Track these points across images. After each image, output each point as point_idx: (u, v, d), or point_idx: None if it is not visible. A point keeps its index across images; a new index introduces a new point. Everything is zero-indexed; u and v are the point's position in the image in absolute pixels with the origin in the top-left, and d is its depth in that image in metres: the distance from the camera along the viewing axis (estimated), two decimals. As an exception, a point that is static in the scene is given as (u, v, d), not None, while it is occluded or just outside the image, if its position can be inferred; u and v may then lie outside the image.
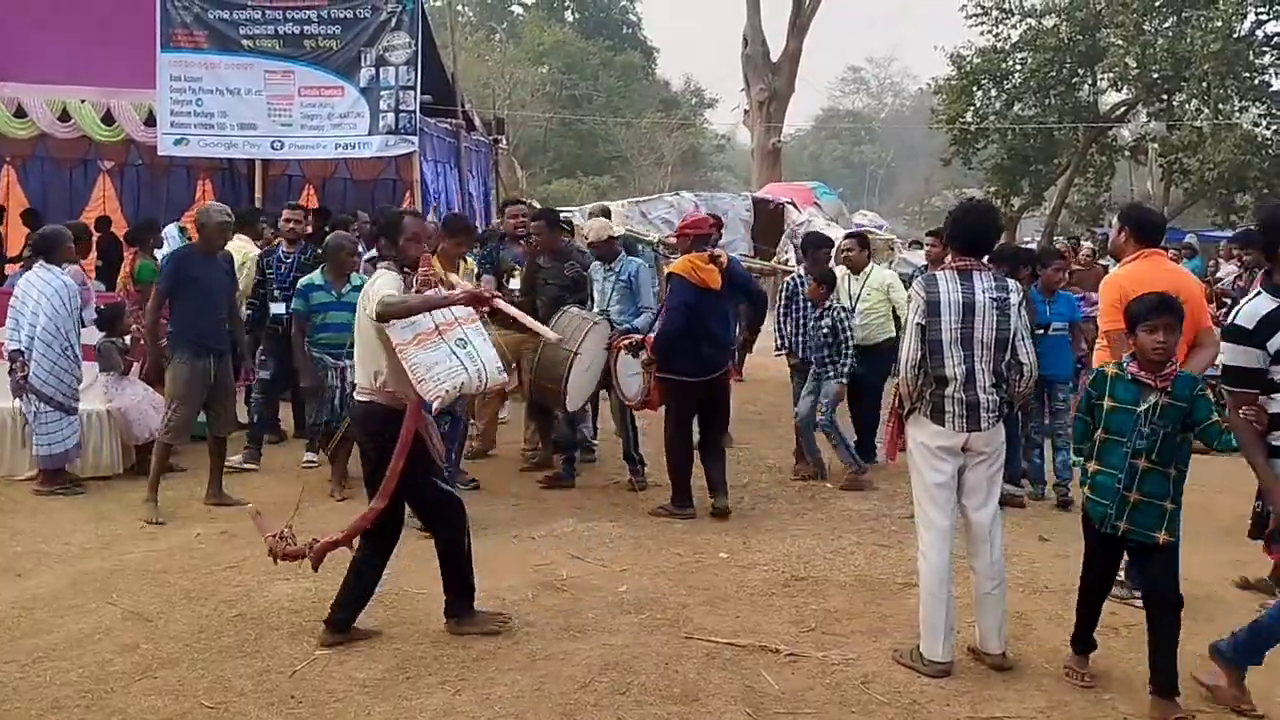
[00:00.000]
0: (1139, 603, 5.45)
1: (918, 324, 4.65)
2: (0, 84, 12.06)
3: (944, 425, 4.66)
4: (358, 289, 6.66)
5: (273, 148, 12.16)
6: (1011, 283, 4.87)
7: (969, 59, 28.03)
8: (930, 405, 4.67)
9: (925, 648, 4.71)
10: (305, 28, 12.05)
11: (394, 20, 12.03)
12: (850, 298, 8.59)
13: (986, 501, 4.78)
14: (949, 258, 4.95)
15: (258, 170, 12.86)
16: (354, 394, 5.37)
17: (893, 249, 12.97)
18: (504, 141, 17.60)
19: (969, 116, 28.15)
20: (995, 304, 4.67)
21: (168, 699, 4.38)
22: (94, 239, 12.00)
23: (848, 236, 9.16)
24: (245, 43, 12.06)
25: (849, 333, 8.02)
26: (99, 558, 6.13)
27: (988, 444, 4.74)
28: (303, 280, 7.63)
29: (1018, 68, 27.84)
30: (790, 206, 14.01)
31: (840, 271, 8.66)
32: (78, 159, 14.61)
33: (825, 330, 7.98)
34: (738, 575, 6.01)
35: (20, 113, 12.15)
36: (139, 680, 4.56)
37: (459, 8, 47.58)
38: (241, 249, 9.00)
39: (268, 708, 4.32)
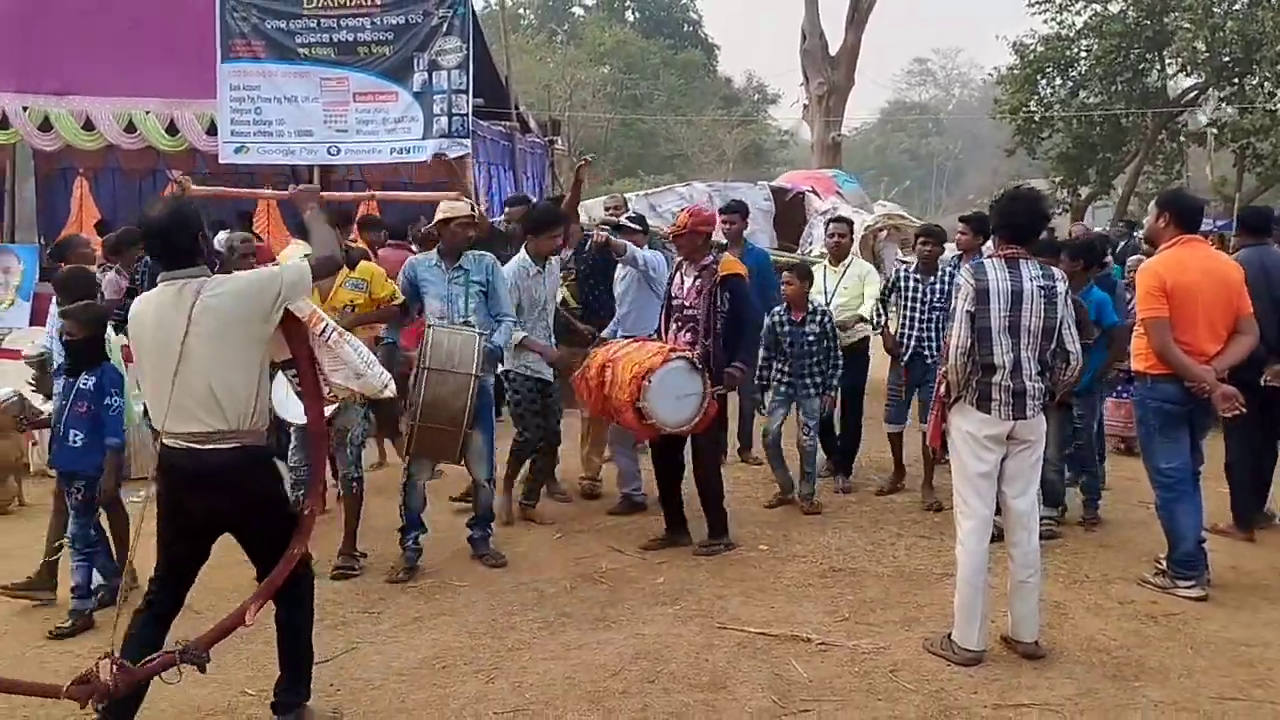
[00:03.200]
0: (1181, 592, 5.42)
1: (967, 311, 4.64)
2: (69, 98, 12.52)
3: (990, 413, 4.65)
4: None
5: (329, 153, 12.46)
6: (1057, 271, 4.85)
7: (1032, 48, 27.61)
8: (977, 393, 4.66)
9: (959, 635, 4.71)
10: (359, 35, 12.33)
11: (445, 25, 12.26)
12: (825, 293, 7.73)
13: (1026, 489, 4.78)
14: (994, 245, 4.93)
15: (316, 176, 13.13)
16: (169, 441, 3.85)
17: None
18: (560, 143, 17.74)
19: (1033, 106, 27.72)
20: (1043, 292, 4.66)
21: (212, 688, 4.53)
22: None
23: (837, 221, 8.24)
24: (301, 51, 12.37)
25: (837, 339, 7.21)
26: (145, 551, 6.30)
27: (1031, 432, 4.73)
28: None
29: (1083, 55, 27.35)
30: (811, 194, 13.41)
31: (819, 265, 8.03)
32: (146, 169, 15.02)
33: (811, 337, 7.06)
34: (775, 567, 6.04)
35: (89, 125, 12.59)
36: (185, 670, 4.71)
37: (519, 11, 48.04)
38: (288, 252, 9.20)
39: (307, 695, 4.45)
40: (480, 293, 6.12)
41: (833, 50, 29.70)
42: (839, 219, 8.34)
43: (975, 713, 4.23)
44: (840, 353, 7.22)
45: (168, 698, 4.41)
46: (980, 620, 4.68)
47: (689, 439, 6.22)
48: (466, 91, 12.24)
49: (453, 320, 6.00)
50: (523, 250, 6.77)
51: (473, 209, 6.44)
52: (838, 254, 7.93)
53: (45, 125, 12.75)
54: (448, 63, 12.22)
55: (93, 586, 5.39)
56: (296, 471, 5.99)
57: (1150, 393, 5.57)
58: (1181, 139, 28.44)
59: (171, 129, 12.63)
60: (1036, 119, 27.51)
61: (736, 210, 8.19)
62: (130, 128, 12.65)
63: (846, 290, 7.71)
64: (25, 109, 12.68)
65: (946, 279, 7.17)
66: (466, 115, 12.25)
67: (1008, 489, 4.76)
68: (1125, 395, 8.29)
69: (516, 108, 14.77)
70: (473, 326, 5.97)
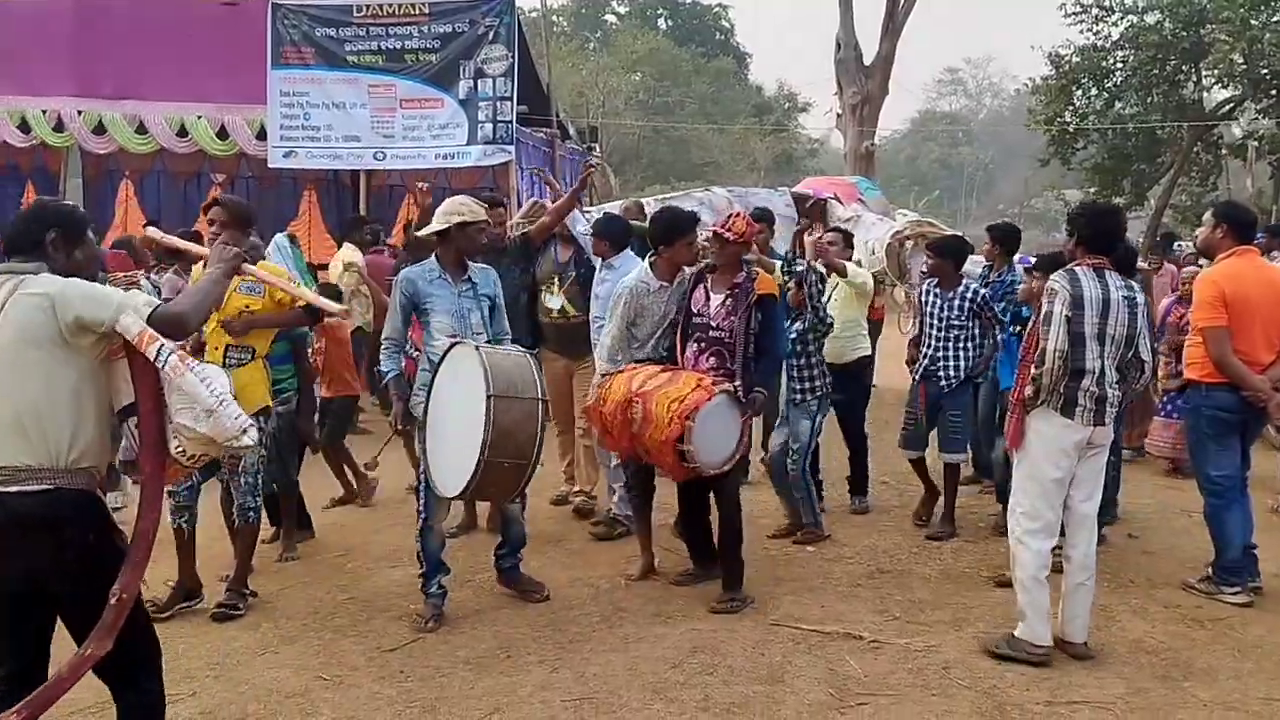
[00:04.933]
0: (1226, 597, 5.51)
1: (1065, 316, 4.71)
2: (123, 102, 12.80)
3: (1074, 419, 4.75)
4: None
5: (375, 159, 12.67)
6: (1135, 283, 5.01)
7: (1068, 58, 27.58)
8: (1063, 398, 4.75)
9: (1030, 633, 4.77)
10: (406, 42, 12.55)
11: (491, 33, 12.45)
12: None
13: (1092, 494, 4.92)
14: (1074, 254, 4.98)
15: (362, 181, 13.37)
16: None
17: None
18: (597, 149, 17.93)
19: (1068, 116, 27.70)
20: (1127, 302, 4.80)
21: (288, 672, 4.72)
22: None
23: (832, 230, 7.70)
24: (350, 58, 12.60)
25: (818, 343, 6.59)
26: (223, 545, 6.50)
27: (1105, 437, 4.88)
28: None
29: (1119, 66, 27.29)
30: (834, 201, 12.88)
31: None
32: (192, 173, 15.30)
33: (793, 335, 6.44)
34: (824, 568, 6.17)
35: (141, 129, 12.87)
36: (262, 655, 4.92)
37: (554, 18, 48.35)
38: (347, 256, 9.42)
39: (379, 681, 4.63)
40: (489, 308, 5.46)
41: (867, 60, 29.78)
42: (833, 229, 7.85)
43: (1029, 709, 4.35)
44: (820, 365, 6.58)
45: (247, 680, 4.61)
46: (1047, 618, 4.79)
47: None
48: (511, 99, 12.41)
49: (465, 339, 5.23)
50: (645, 263, 5.97)
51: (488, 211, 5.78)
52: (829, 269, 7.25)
53: (99, 129, 13.04)
54: (493, 70, 12.40)
55: None
56: (176, 496, 5.38)
57: (1205, 400, 5.67)
58: (1221, 151, 28.32)
59: (222, 133, 12.89)
60: (1071, 129, 27.49)
61: (763, 219, 7.74)
62: (182, 132, 12.92)
63: (839, 302, 7.18)
64: (80, 112, 12.97)
65: (968, 296, 6.78)
66: (510, 122, 12.42)
67: (1075, 493, 4.87)
68: (1175, 415, 8.26)
69: (557, 115, 14.96)
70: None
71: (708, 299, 5.63)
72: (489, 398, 4.71)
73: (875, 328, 13.03)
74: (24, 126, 13.01)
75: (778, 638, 5.09)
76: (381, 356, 5.41)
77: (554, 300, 6.99)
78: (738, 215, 5.73)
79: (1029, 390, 4.78)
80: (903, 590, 5.79)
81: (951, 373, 6.78)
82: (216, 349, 5.27)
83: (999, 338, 6.82)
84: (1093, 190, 28.35)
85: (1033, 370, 4.78)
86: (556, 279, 7.00)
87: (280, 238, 11.71)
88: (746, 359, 5.50)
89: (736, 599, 5.49)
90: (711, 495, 5.74)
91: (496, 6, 12.43)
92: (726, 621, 5.29)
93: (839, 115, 30.93)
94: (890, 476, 8.07)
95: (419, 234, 6.72)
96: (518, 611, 5.41)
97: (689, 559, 6.10)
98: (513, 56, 12.43)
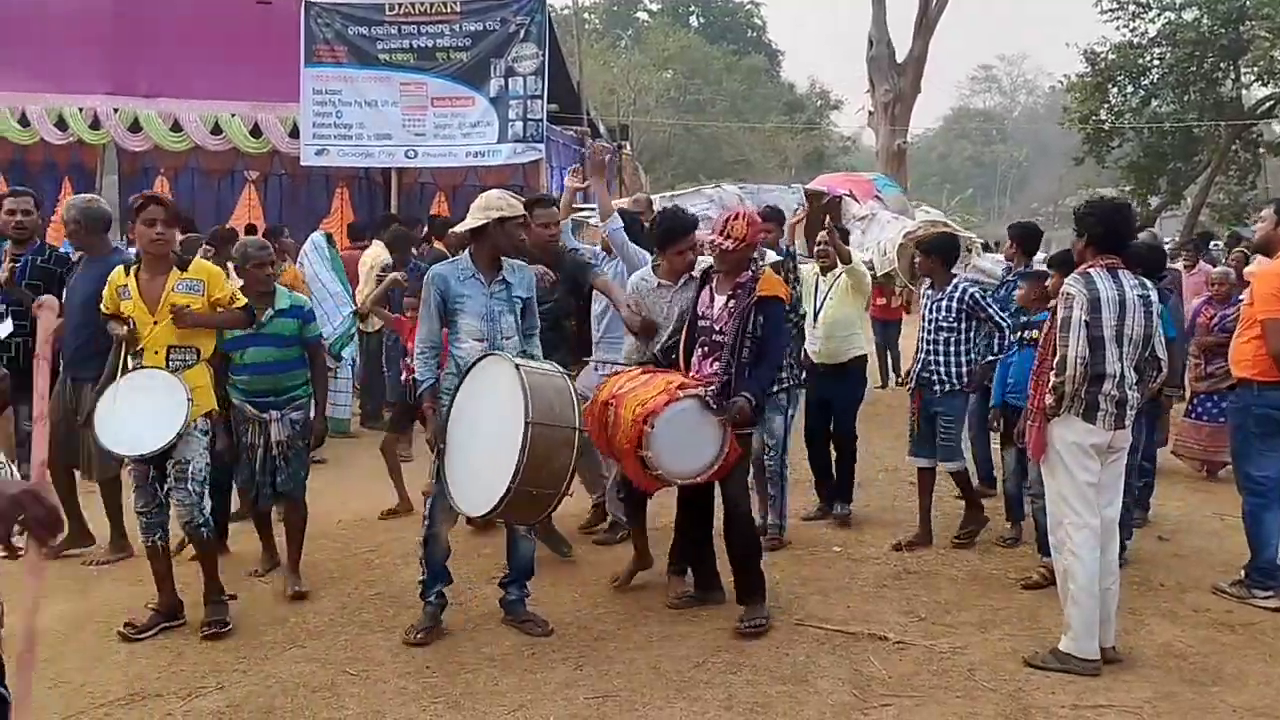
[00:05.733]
0: (1258, 601, 5.46)
1: (1084, 320, 4.66)
2: (157, 100, 12.95)
3: (1095, 423, 4.70)
4: (287, 314, 5.67)
5: (407, 156, 12.77)
6: (1147, 280, 4.94)
7: (1103, 55, 27.36)
8: (1084, 404, 4.70)
9: (1079, 647, 4.69)
10: (438, 41, 12.63)
11: (522, 32, 12.51)
12: (814, 303, 7.06)
13: (1114, 499, 4.87)
14: (1084, 255, 4.95)
15: (393, 179, 13.45)
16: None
17: (969, 250, 10.72)
18: (628, 147, 17.96)
19: (1103, 114, 27.48)
20: (1142, 301, 4.75)
21: (314, 666, 4.76)
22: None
23: (827, 230, 7.30)
24: (382, 56, 12.70)
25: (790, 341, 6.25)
26: (253, 542, 6.57)
27: (1125, 441, 4.83)
28: None
29: (1155, 63, 27.08)
30: (849, 198, 12.77)
31: (808, 270, 7.22)
32: (226, 170, 15.47)
33: None
34: (850, 568, 6.16)
35: (176, 127, 13.01)
36: (289, 649, 4.96)
37: (585, 16, 48.41)
38: (376, 255, 9.47)
39: (404, 676, 4.66)
40: (521, 309, 5.17)
41: (899, 57, 29.65)
42: (832, 229, 7.31)
43: (1053, 713, 4.32)
44: (791, 361, 6.41)
45: (273, 673, 4.65)
46: (1098, 628, 4.74)
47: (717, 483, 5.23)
48: (541, 97, 12.48)
49: (494, 343, 4.99)
50: (648, 264, 5.89)
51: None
52: (826, 265, 7.15)
53: (135, 126, 13.20)
54: (524, 69, 12.47)
55: None
56: (147, 515, 5.11)
57: (1257, 400, 5.59)
58: (1260, 149, 27.98)
59: (255, 131, 13.03)
60: (1106, 127, 27.27)
61: (772, 218, 7.48)
62: (216, 130, 13.07)
63: (835, 304, 6.98)
64: (116, 110, 13.13)
65: (956, 295, 6.48)
66: (541, 120, 12.49)
67: (1098, 498, 4.82)
68: (1204, 417, 8.19)
69: (588, 113, 15.00)
70: (522, 350, 5.07)
71: (712, 300, 5.30)
72: (528, 424, 4.46)
73: (895, 327, 13.07)
74: (61, 124, 13.19)
75: (802, 638, 5.08)
76: (417, 363, 5.12)
77: None
78: (737, 217, 5.27)
79: (1049, 399, 4.72)
80: (929, 591, 5.76)
81: (941, 377, 6.44)
82: (158, 352, 5.02)
83: (1003, 342, 6.43)
84: (1128, 189, 28.13)
85: (1052, 378, 4.71)
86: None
87: (317, 236, 11.80)
88: (741, 364, 5.07)
89: (759, 619, 5.13)
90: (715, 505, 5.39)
91: (528, 5, 12.50)
92: (751, 621, 5.29)
93: (870, 113, 30.82)
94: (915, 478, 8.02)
95: (455, 230, 6.57)
96: (544, 609, 5.41)
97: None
98: (543, 55, 12.49)
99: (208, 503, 5.19)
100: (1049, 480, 4.87)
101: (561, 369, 4.99)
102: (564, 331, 6.18)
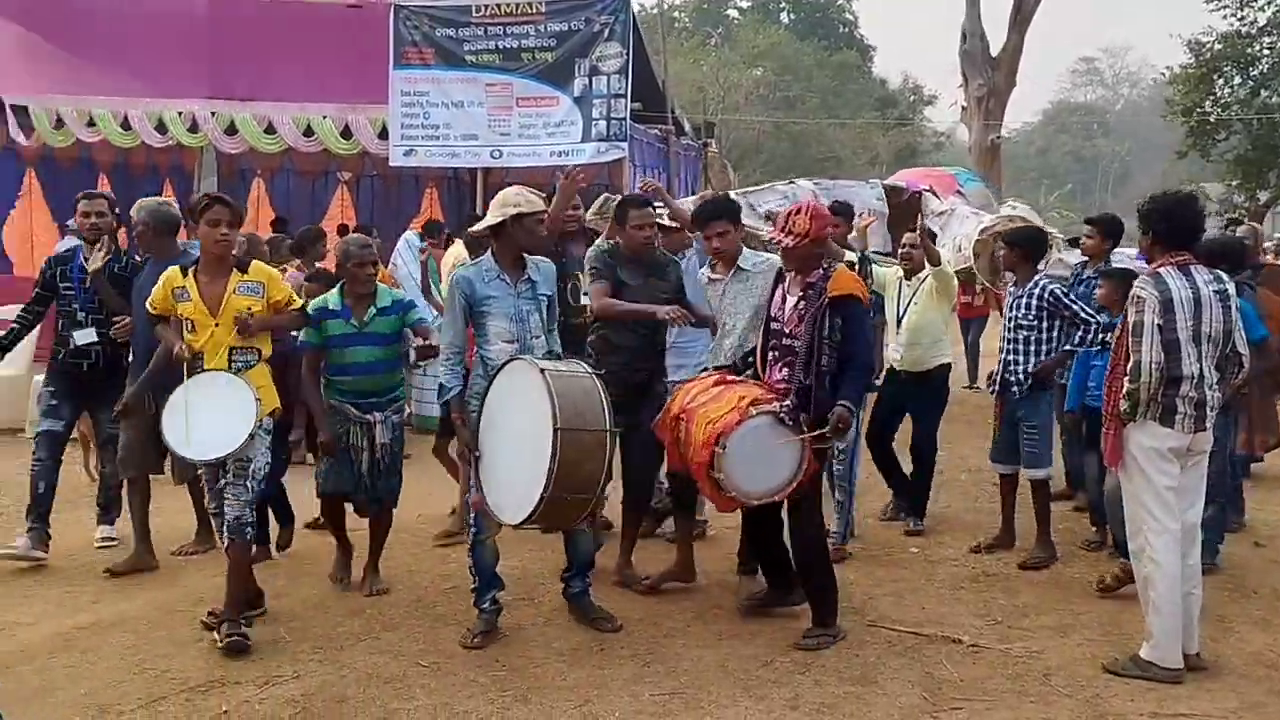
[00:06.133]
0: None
1: (1156, 324, 4.51)
2: (252, 103, 13.28)
3: (1173, 427, 4.55)
4: (388, 311, 5.57)
5: (492, 156, 12.90)
6: (1223, 274, 4.76)
7: (1209, 45, 26.46)
8: (1161, 407, 4.55)
9: (1163, 655, 4.55)
10: (523, 41, 12.73)
11: (607, 31, 12.53)
12: (897, 309, 6.77)
13: (1195, 502, 4.71)
14: (1149, 251, 4.83)
15: (479, 179, 13.62)
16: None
17: (1058, 248, 10.20)
18: (713, 145, 17.90)
19: (1208, 106, 26.59)
20: (1218, 297, 4.59)
21: (387, 657, 4.84)
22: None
23: (911, 232, 6.90)
24: (469, 58, 12.84)
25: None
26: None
27: (1206, 443, 4.67)
28: (314, 303, 5.58)
29: (1265, 52, 26.13)
30: (928, 194, 12.30)
31: (891, 274, 6.94)
32: (320, 172, 15.80)
33: None
34: (926, 569, 6.06)
35: (270, 129, 13.33)
36: (364, 640, 5.05)
37: (674, 14, 48.40)
38: (458, 254, 9.57)
39: (475, 669, 4.71)
40: (546, 306, 5.07)
41: (994, 51, 29.07)
42: (921, 230, 6.91)
43: (1131, 720, 4.21)
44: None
45: (348, 664, 4.74)
46: (1181, 637, 4.59)
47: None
48: (625, 96, 12.48)
49: (524, 343, 4.91)
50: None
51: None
52: (910, 269, 6.79)
53: (231, 129, 13.53)
54: (608, 68, 12.49)
55: None
56: (219, 517, 5.08)
57: None
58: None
59: (345, 133, 13.26)
60: (1212, 120, 26.38)
61: (841, 213, 7.37)
62: (308, 132, 13.33)
63: (920, 310, 6.66)
64: (214, 114, 13.48)
65: (1035, 293, 6.20)
66: (624, 119, 12.50)
67: (1179, 502, 4.66)
68: None
69: (672, 111, 14.98)
70: (548, 348, 5.02)
71: (784, 301, 5.04)
72: (556, 431, 4.42)
73: (979, 325, 12.79)
74: (161, 127, 13.57)
75: (874, 639, 5.02)
76: (442, 370, 4.98)
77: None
78: (798, 211, 5.02)
79: (1124, 405, 4.57)
80: (1008, 595, 5.65)
81: (1021, 378, 6.19)
82: (219, 354, 5.00)
83: (1087, 336, 6.05)
84: (1234, 183, 27.18)
85: (1127, 384, 4.55)
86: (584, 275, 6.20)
87: (410, 235, 11.99)
88: (820, 372, 4.80)
89: (827, 634, 4.94)
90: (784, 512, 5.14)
91: (612, 4, 12.51)
92: (822, 621, 5.24)
93: (964, 108, 30.27)
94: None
95: (472, 230, 6.48)
96: (613, 605, 5.43)
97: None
98: (627, 54, 12.49)
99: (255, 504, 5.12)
100: (1126, 486, 4.72)
101: (589, 368, 4.85)
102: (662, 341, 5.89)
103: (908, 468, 7.02)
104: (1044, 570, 6.05)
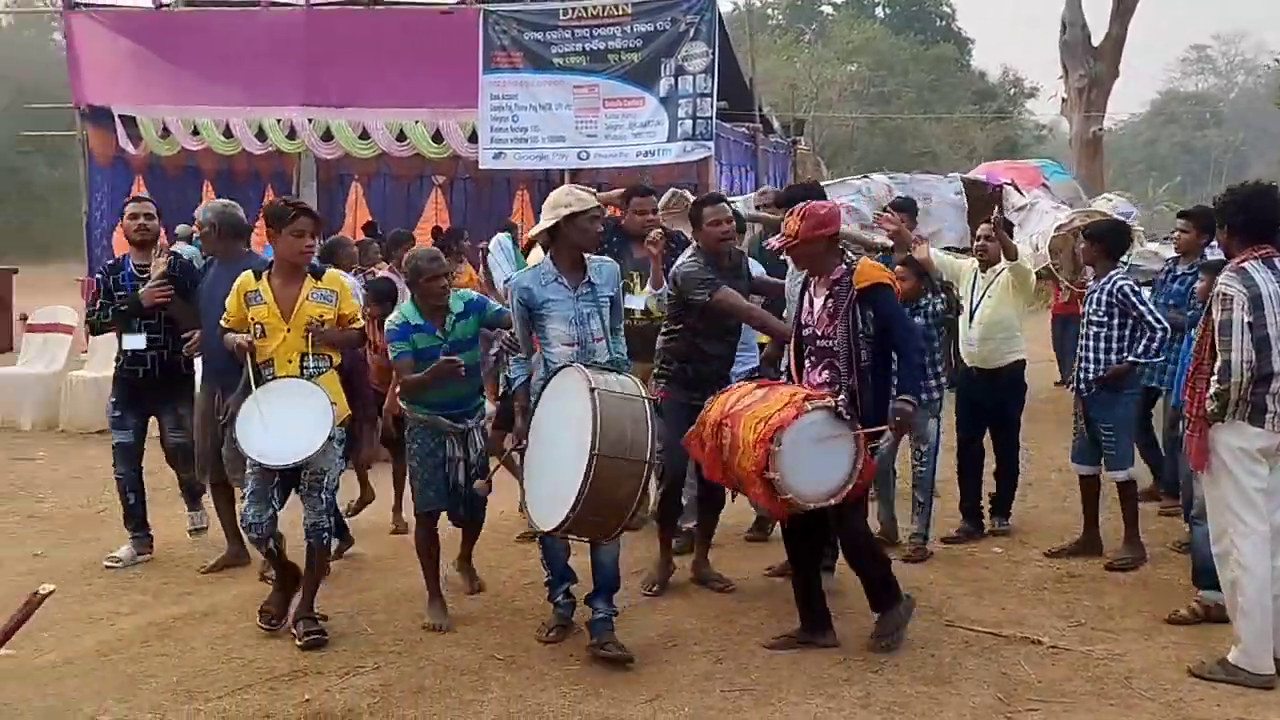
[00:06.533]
0: None
1: (1246, 321, 4.36)
2: (346, 109, 13.64)
3: (1263, 426, 4.41)
4: (465, 315, 5.36)
5: (579, 158, 13.04)
6: None
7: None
8: (1250, 406, 4.41)
9: (1251, 660, 4.43)
10: (609, 43, 12.85)
11: (692, 31, 12.58)
12: (971, 302, 6.52)
13: None
14: (1227, 246, 4.69)
15: (566, 180, 13.74)
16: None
17: (1139, 242, 9.79)
18: (803, 142, 17.82)
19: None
20: None
21: (465, 650, 4.94)
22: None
23: (986, 224, 6.65)
24: (556, 60, 13.01)
25: (941, 336, 6.15)
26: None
27: None
28: (395, 317, 5.41)
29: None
30: (1009, 188, 12.02)
31: (966, 265, 6.73)
32: (414, 175, 16.12)
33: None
34: (1009, 570, 5.97)
35: (364, 135, 13.67)
36: (443, 634, 5.15)
37: (767, 11, 48.18)
38: (538, 254, 9.65)
39: (548, 663, 4.79)
40: (608, 307, 4.98)
41: (1095, 41, 28.31)
42: (997, 221, 6.57)
43: (1215, 726, 4.10)
44: (938, 364, 6.21)
45: (427, 656, 4.86)
46: (1271, 641, 4.46)
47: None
48: (711, 95, 12.51)
49: (585, 346, 4.85)
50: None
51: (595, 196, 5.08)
52: (986, 261, 6.56)
53: (327, 135, 13.92)
54: (693, 67, 12.53)
55: None
56: (259, 528, 5.06)
57: None
58: None
59: (437, 137, 13.55)
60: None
61: (904, 208, 7.14)
62: (401, 136, 13.66)
63: (994, 304, 6.42)
64: (310, 121, 13.88)
65: (1107, 288, 6.02)
66: (710, 118, 12.53)
67: (1266, 504, 4.51)
68: None
69: (760, 109, 14.95)
70: (609, 356, 4.92)
71: (812, 304, 4.96)
72: (594, 456, 4.32)
73: (1071, 325, 12.40)
74: (261, 135, 14.01)
75: (950, 639, 4.96)
76: (511, 363, 5.13)
77: (635, 300, 6.13)
78: (792, 213, 4.90)
79: (1212, 406, 4.42)
80: (1093, 596, 5.53)
81: (1090, 377, 6.03)
82: (291, 360, 4.99)
83: (1151, 344, 5.88)
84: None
85: (1214, 385, 4.41)
86: (637, 276, 6.18)
87: (502, 237, 12.14)
88: (862, 369, 4.72)
89: (895, 635, 4.82)
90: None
91: (698, 4, 12.55)
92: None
93: (1064, 100, 29.53)
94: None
95: (528, 236, 6.46)
96: (688, 601, 5.47)
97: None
98: (713, 53, 12.53)
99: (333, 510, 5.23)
100: (1210, 490, 4.58)
101: (642, 391, 4.66)
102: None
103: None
104: (1132, 572, 5.90)
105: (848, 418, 4.60)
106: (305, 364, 5.02)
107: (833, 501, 4.60)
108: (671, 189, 7.33)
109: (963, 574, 5.89)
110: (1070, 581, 5.75)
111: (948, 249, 8.38)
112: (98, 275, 6.27)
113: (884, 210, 7.72)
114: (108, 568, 6.13)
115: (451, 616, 5.33)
